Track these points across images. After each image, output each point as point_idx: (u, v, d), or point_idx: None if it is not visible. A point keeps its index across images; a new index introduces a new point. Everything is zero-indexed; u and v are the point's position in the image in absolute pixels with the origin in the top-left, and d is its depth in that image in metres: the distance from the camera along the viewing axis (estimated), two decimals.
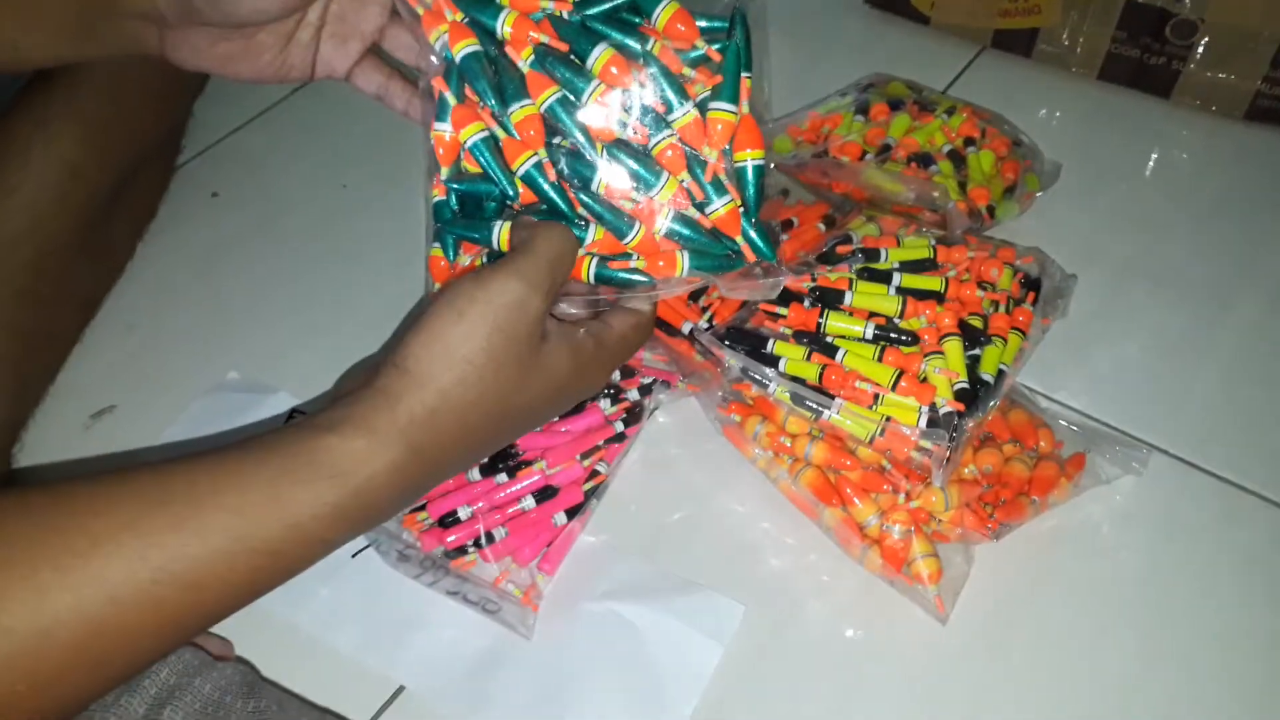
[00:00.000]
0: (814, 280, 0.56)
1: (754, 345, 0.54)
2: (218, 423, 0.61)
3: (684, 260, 0.47)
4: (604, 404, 0.58)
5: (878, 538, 0.53)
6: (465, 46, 0.45)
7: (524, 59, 0.45)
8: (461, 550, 0.53)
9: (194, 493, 0.35)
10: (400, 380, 0.39)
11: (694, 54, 0.45)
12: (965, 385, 0.51)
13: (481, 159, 0.46)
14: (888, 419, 0.51)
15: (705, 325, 0.59)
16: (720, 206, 0.45)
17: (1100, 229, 0.73)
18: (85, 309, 0.67)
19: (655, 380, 0.60)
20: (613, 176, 0.45)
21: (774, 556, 0.56)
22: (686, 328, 0.59)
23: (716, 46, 0.45)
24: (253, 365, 0.65)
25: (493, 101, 0.45)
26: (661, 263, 0.46)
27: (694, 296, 0.61)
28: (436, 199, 0.49)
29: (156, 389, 0.64)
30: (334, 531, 0.38)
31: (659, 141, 0.45)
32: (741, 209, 0.46)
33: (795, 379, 0.53)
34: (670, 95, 0.45)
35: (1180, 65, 0.79)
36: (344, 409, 0.39)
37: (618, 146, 0.45)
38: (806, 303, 0.55)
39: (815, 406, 0.52)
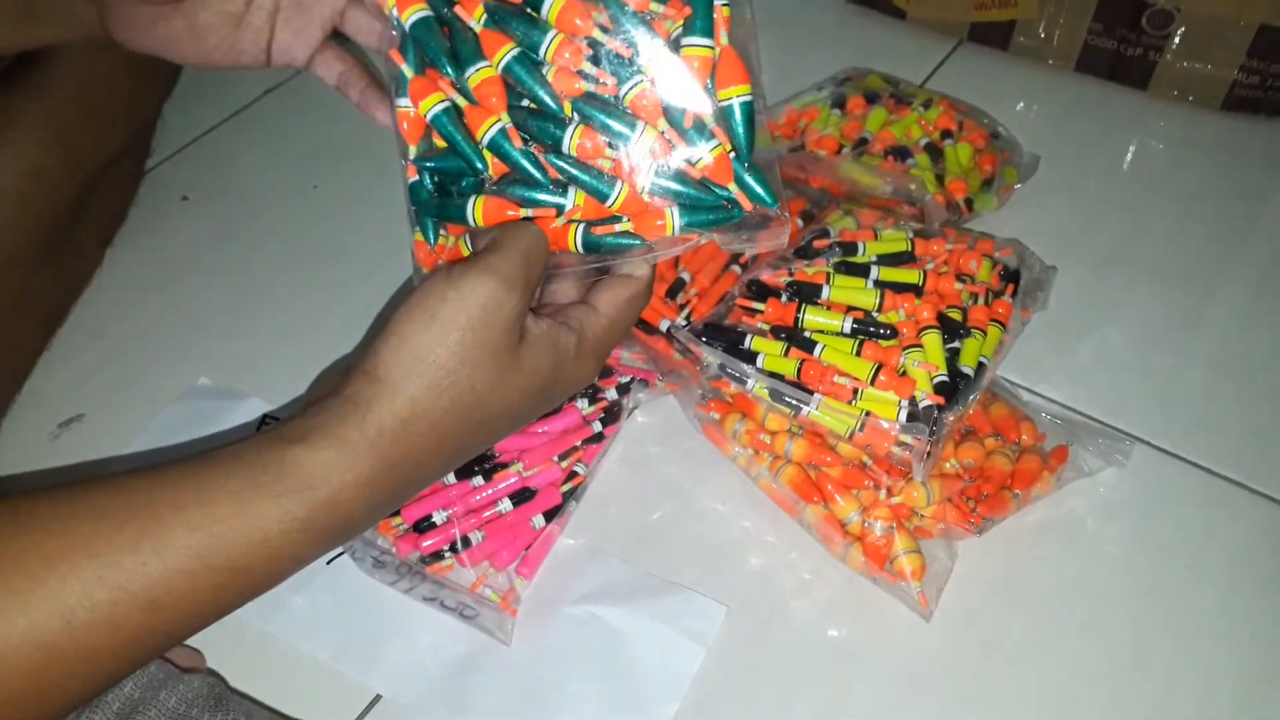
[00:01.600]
0: (791, 275, 0.55)
1: (732, 341, 0.53)
2: (189, 430, 0.60)
3: (674, 217, 0.42)
4: (581, 404, 0.57)
5: (859, 534, 0.52)
6: (415, 12, 0.42)
7: (476, 18, 0.41)
8: (438, 555, 0.52)
9: (154, 509, 0.34)
10: (370, 388, 0.37)
11: None
12: (945, 378, 0.51)
13: (444, 132, 0.43)
14: (867, 414, 0.50)
15: (683, 323, 0.58)
16: (707, 154, 0.41)
17: (1079, 221, 0.72)
18: (51, 316, 0.66)
19: (634, 379, 0.59)
20: (585, 134, 0.41)
21: (755, 555, 0.55)
22: (664, 325, 0.59)
23: None
24: (224, 371, 0.64)
25: (448, 68, 0.42)
26: (655, 222, 0.42)
27: (671, 294, 0.61)
28: (411, 181, 0.46)
29: (125, 397, 0.62)
30: (303, 546, 0.36)
31: (630, 89, 0.41)
32: (732, 153, 0.41)
33: (773, 375, 0.52)
34: (635, 36, 0.40)
35: (1157, 56, 0.79)
36: (313, 418, 0.37)
37: (585, 101, 0.41)
38: (784, 297, 0.55)
39: (794, 402, 0.51)
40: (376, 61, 0.49)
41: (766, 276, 0.55)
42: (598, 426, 0.57)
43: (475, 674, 0.50)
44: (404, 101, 0.44)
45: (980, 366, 0.53)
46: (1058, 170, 0.74)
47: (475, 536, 0.53)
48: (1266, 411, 0.61)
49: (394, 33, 0.44)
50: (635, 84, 0.41)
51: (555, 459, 0.55)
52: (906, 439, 0.49)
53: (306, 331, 0.66)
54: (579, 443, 0.56)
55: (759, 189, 0.42)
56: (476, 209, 0.43)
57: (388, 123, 0.48)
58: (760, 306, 0.54)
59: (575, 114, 0.41)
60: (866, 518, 0.52)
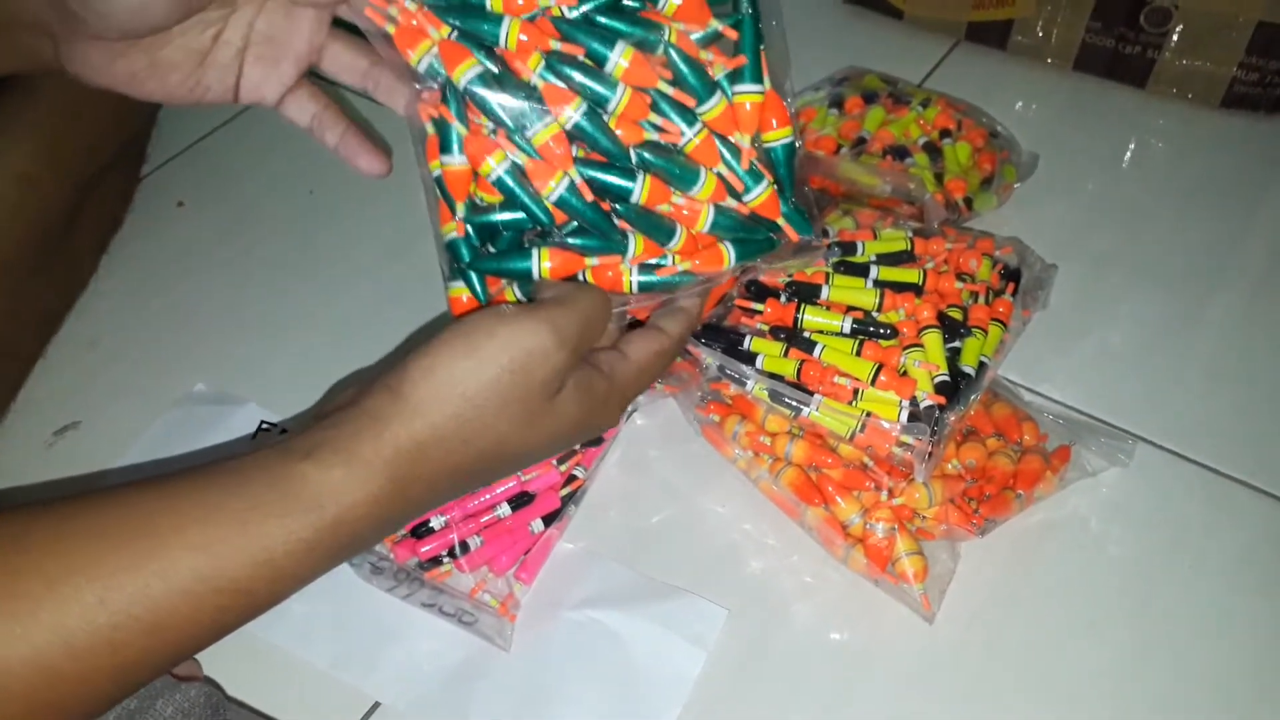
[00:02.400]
0: (790, 275, 0.55)
1: (731, 343, 0.53)
2: (186, 436, 0.60)
3: (729, 251, 0.45)
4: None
5: (861, 536, 0.52)
6: (468, 69, 0.40)
7: (535, 70, 0.41)
8: (436, 561, 0.52)
9: (156, 528, 0.33)
10: (391, 405, 0.37)
11: (704, 33, 0.42)
12: (946, 378, 0.50)
13: (507, 189, 0.42)
14: (868, 414, 0.50)
15: None
16: (759, 193, 0.44)
17: (1079, 219, 0.72)
18: (46, 324, 0.65)
19: None
20: (653, 184, 0.43)
21: (756, 558, 0.54)
22: None
23: (729, 21, 0.42)
24: (221, 377, 0.63)
25: (510, 125, 0.41)
26: (698, 260, 0.45)
27: None
28: (452, 238, 0.45)
29: (121, 404, 0.62)
30: (307, 567, 0.36)
31: (691, 138, 0.42)
32: (777, 189, 0.45)
33: (773, 376, 0.52)
34: (697, 85, 0.42)
35: (1155, 54, 0.79)
36: (324, 431, 0.36)
37: (649, 150, 0.42)
38: (783, 298, 0.54)
39: (794, 404, 0.51)
40: (352, 99, 0.49)
41: (765, 277, 0.55)
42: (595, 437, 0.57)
43: (474, 680, 0.50)
44: (450, 159, 0.43)
45: (981, 366, 0.52)
46: (1057, 169, 0.73)
47: (474, 541, 0.52)
48: (1269, 409, 0.60)
49: (423, 89, 0.42)
50: (698, 131, 0.43)
51: (554, 463, 0.55)
52: (908, 439, 0.49)
53: (302, 337, 0.66)
54: (578, 446, 0.56)
55: (800, 221, 0.46)
56: (542, 260, 0.43)
57: (370, 169, 0.48)
58: (759, 307, 0.54)
59: (641, 166, 0.43)
60: (868, 519, 0.51)
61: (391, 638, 0.52)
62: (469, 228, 0.44)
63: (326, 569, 0.37)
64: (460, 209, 0.44)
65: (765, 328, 0.53)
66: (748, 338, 0.53)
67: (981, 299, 0.55)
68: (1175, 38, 0.77)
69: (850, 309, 0.54)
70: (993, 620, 0.52)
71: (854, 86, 0.74)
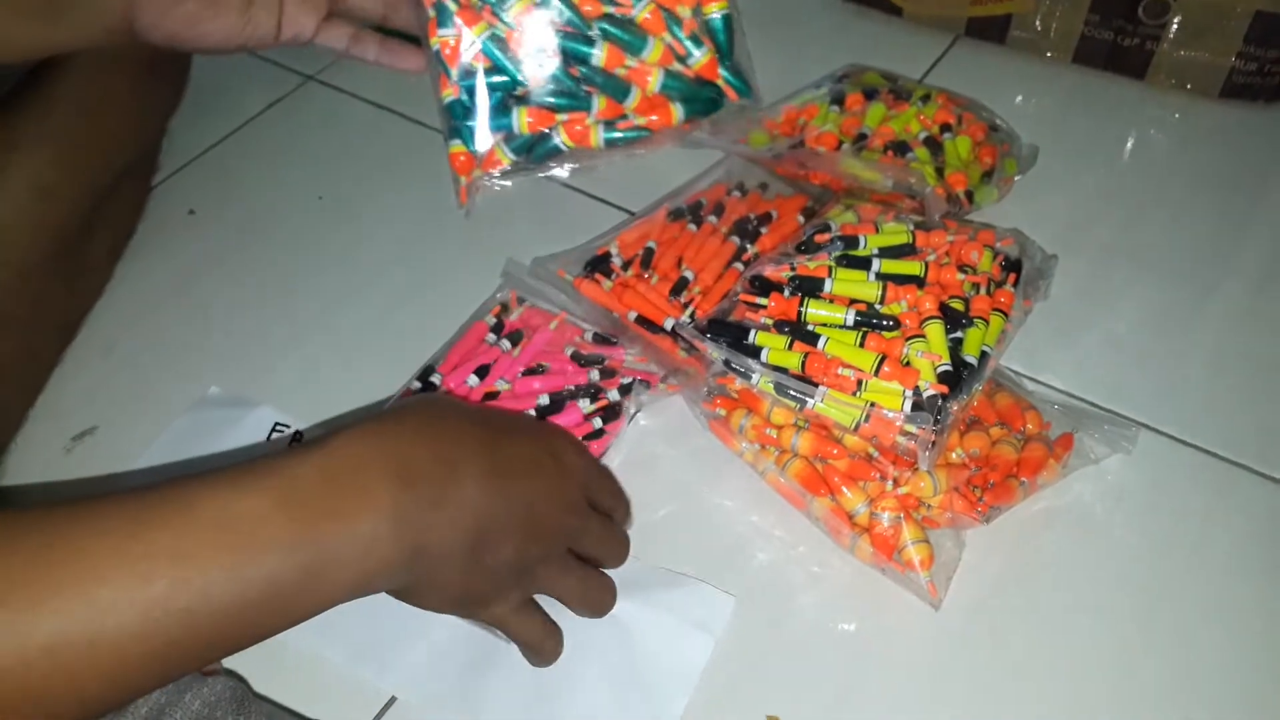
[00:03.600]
0: (793, 269, 0.56)
1: (736, 337, 0.54)
2: (200, 439, 0.61)
3: (678, 109, 0.57)
4: (582, 404, 0.58)
5: (867, 526, 0.53)
6: None
7: None
8: None
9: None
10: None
11: None
12: (948, 368, 0.51)
13: (490, 52, 0.54)
14: (872, 405, 0.50)
15: (687, 320, 0.59)
16: (700, 57, 0.56)
17: (1080, 211, 0.73)
18: (64, 331, 0.66)
19: (635, 380, 0.59)
20: (610, 49, 0.54)
21: (764, 550, 0.55)
22: (669, 324, 0.59)
23: None
24: (235, 381, 0.64)
25: (492, 2, 0.54)
26: (655, 116, 0.56)
27: (675, 292, 0.61)
28: (449, 99, 0.56)
29: (138, 409, 0.63)
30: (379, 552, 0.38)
31: (640, 10, 0.54)
32: (717, 55, 0.56)
33: (778, 369, 0.52)
34: None
35: (1154, 45, 0.79)
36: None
37: (606, 21, 0.54)
38: (786, 292, 0.55)
39: (799, 395, 0.51)
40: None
41: (769, 272, 0.56)
42: (598, 423, 0.57)
43: (487, 673, 0.51)
44: (445, 31, 0.54)
45: (983, 355, 0.53)
46: (1057, 161, 0.74)
47: None
48: (1270, 395, 0.61)
49: None
50: (646, 4, 0.55)
51: None
52: (912, 429, 0.50)
53: (314, 340, 0.67)
54: (580, 439, 0.56)
55: (738, 82, 0.57)
56: (521, 116, 0.55)
57: (414, 66, 0.56)
58: (763, 301, 0.55)
59: (600, 33, 0.54)
60: (874, 509, 0.52)
61: (405, 633, 0.52)
62: (463, 90, 0.55)
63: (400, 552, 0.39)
64: (454, 73, 0.55)
65: (770, 322, 0.54)
66: (752, 332, 0.54)
67: (983, 290, 0.56)
68: (1173, 29, 0.78)
69: (853, 302, 0.54)
70: (999, 606, 0.53)
71: (855, 83, 0.75)
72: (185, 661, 0.35)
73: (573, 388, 0.59)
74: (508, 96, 0.55)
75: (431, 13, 0.55)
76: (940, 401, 0.50)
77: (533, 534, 0.44)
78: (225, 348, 0.67)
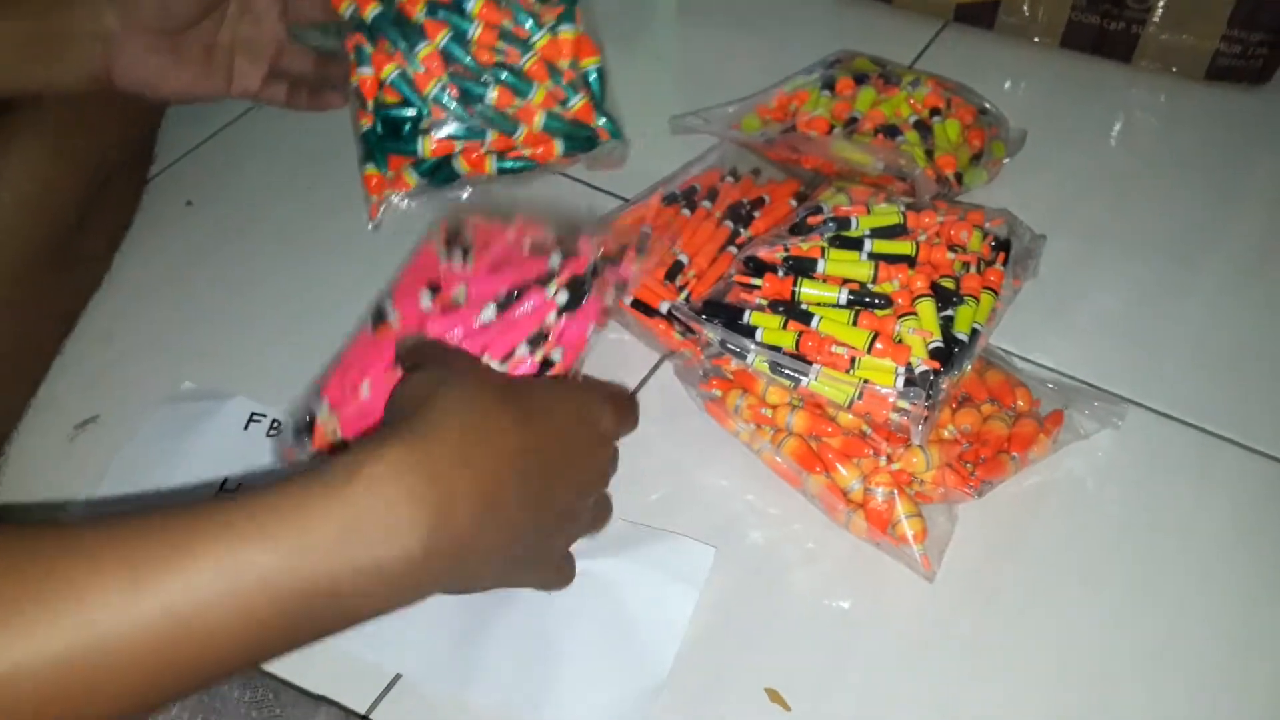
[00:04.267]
0: (787, 250, 0.56)
1: (731, 317, 0.54)
2: (176, 434, 0.61)
3: (559, 145, 0.67)
4: (549, 290, 0.52)
5: (861, 501, 0.53)
6: (373, 9, 0.64)
7: (419, 10, 0.64)
8: None
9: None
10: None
11: None
12: (940, 344, 0.52)
13: (400, 88, 0.64)
14: (865, 382, 0.51)
15: (684, 300, 0.60)
16: (576, 102, 0.66)
17: (1068, 192, 0.73)
18: (64, 321, 0.67)
19: (603, 260, 0.53)
20: (501, 91, 0.65)
21: (759, 528, 0.56)
22: (664, 306, 0.60)
23: None
24: (231, 371, 0.65)
25: (403, 45, 0.64)
26: (540, 149, 0.67)
27: (670, 276, 0.62)
28: (365, 128, 0.66)
29: (138, 397, 0.63)
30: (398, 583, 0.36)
31: (526, 60, 0.65)
32: (591, 101, 0.66)
33: (773, 348, 0.53)
34: (531, 25, 0.65)
35: (1140, 29, 0.80)
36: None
37: (499, 68, 0.64)
38: (780, 272, 0.56)
39: (793, 374, 0.52)
40: None
41: (763, 253, 0.57)
42: (563, 298, 0.51)
43: (480, 639, 0.51)
44: (364, 70, 0.65)
45: (974, 333, 0.54)
46: (1045, 144, 0.75)
47: None
48: (1255, 370, 0.62)
49: (346, 32, 0.65)
50: (531, 56, 0.65)
51: (524, 345, 0.50)
52: (904, 405, 0.51)
53: (309, 328, 0.67)
54: (550, 318, 0.51)
55: (611, 126, 0.67)
56: (426, 144, 0.65)
57: (336, 104, 0.69)
58: (757, 282, 0.55)
59: (493, 77, 0.64)
60: (868, 485, 0.53)
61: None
62: (377, 120, 0.65)
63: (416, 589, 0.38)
64: (369, 105, 0.65)
65: (764, 302, 0.55)
66: (747, 312, 0.54)
67: (973, 269, 0.57)
68: (1159, 13, 0.79)
69: (846, 281, 0.55)
70: (991, 578, 0.54)
71: (845, 69, 0.76)
72: (186, 692, 0.35)
73: (534, 277, 0.52)
74: (414, 128, 0.65)
75: (353, 56, 0.66)
76: (932, 377, 0.51)
77: (568, 522, 0.46)
78: (221, 337, 0.67)
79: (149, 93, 0.59)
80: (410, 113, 0.65)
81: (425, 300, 0.53)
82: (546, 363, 0.50)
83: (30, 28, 0.55)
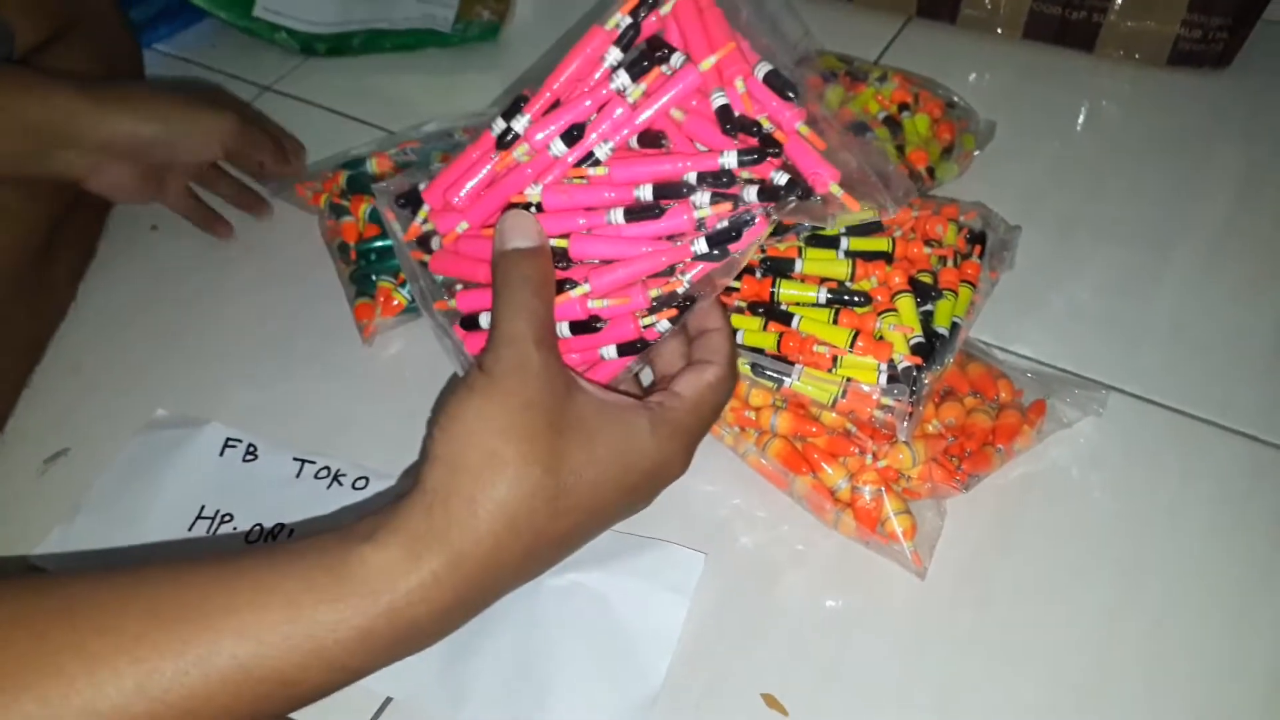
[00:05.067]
0: (764, 251, 0.56)
1: None
2: (153, 463, 0.60)
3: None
4: (698, 201, 0.42)
5: (849, 501, 0.53)
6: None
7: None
8: None
9: (206, 609, 0.33)
10: (433, 473, 0.36)
11: None
12: (921, 339, 0.52)
13: (378, 221, 0.67)
14: (848, 380, 0.51)
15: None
16: None
17: (1038, 182, 0.74)
18: (29, 352, 0.65)
19: (795, 179, 0.42)
20: None
21: (747, 532, 0.56)
22: None
23: None
24: (203, 397, 0.63)
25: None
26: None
27: None
28: (352, 269, 0.66)
29: (108, 428, 0.62)
30: (360, 658, 0.34)
31: None
32: None
33: (754, 350, 0.53)
34: None
35: (1101, 18, 0.81)
36: (385, 513, 0.36)
37: None
38: (758, 274, 0.55)
39: (776, 375, 0.52)
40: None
41: None
42: (702, 246, 0.42)
43: (469, 657, 0.51)
44: (346, 219, 0.68)
45: (954, 326, 0.54)
46: (1014, 135, 0.75)
47: None
48: (1231, 352, 0.62)
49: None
50: None
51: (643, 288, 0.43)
52: (888, 401, 0.50)
53: (280, 351, 0.66)
54: (691, 257, 0.42)
55: None
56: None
57: (223, 234, 0.74)
58: (735, 284, 0.55)
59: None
60: (855, 483, 0.53)
61: None
62: (360, 257, 0.66)
63: (385, 662, 0.35)
64: (353, 246, 0.67)
65: (743, 304, 0.55)
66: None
67: (950, 263, 0.57)
68: (1119, 1, 0.79)
69: (824, 280, 0.55)
70: (982, 572, 0.53)
71: (811, 67, 0.76)
72: None
73: (694, 176, 0.42)
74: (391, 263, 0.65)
75: (330, 213, 0.69)
76: (915, 372, 0.51)
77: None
78: (192, 365, 0.66)
79: (104, 197, 0.67)
80: (386, 244, 0.66)
81: (558, 147, 0.43)
82: (665, 299, 0.43)
83: (41, 129, 0.60)
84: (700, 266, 0.43)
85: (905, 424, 0.50)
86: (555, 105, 0.44)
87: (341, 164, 0.71)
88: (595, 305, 0.43)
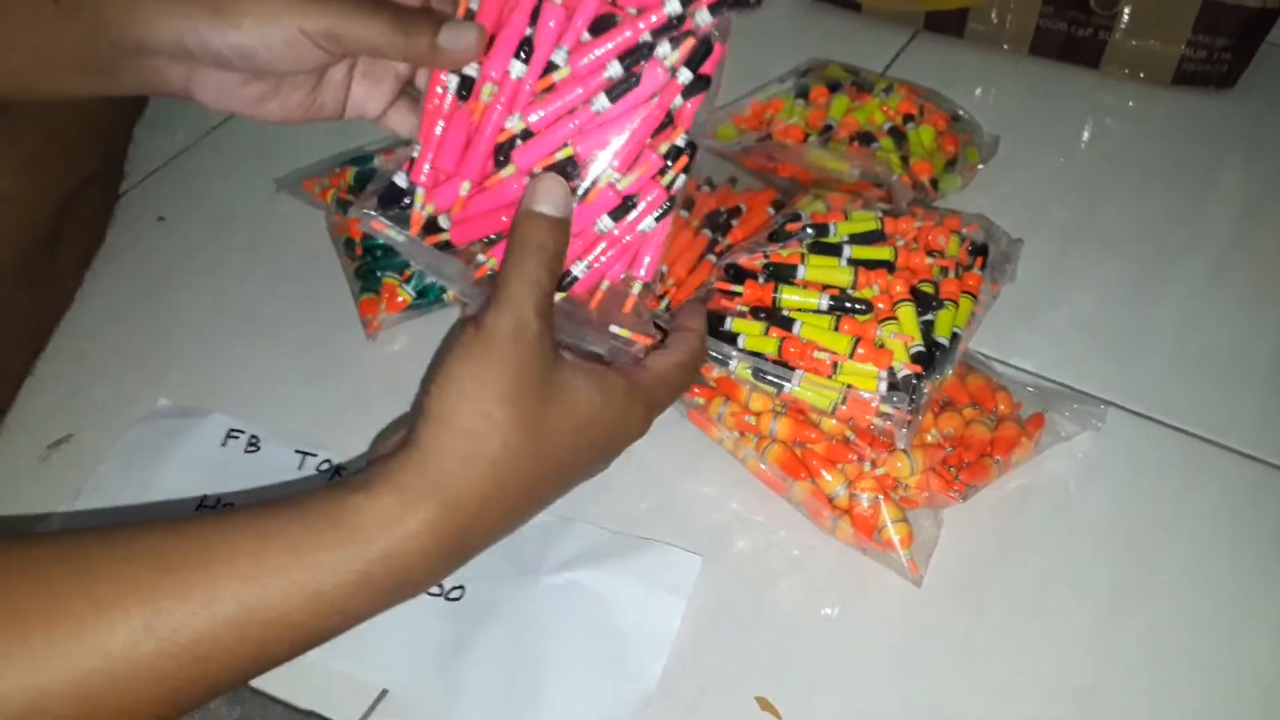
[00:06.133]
0: (767, 257, 0.56)
1: (712, 324, 0.54)
2: (154, 452, 0.60)
3: None
4: (662, 51, 0.44)
5: (847, 507, 0.53)
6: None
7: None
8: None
9: (208, 556, 0.34)
10: (426, 429, 0.37)
11: None
12: (921, 348, 0.52)
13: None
14: (848, 387, 0.51)
15: (664, 309, 0.60)
16: None
17: (1042, 197, 0.74)
18: (34, 340, 0.66)
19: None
20: None
21: (744, 536, 0.56)
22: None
23: None
24: (206, 387, 0.64)
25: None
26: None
27: None
28: (358, 264, 0.66)
29: (111, 415, 0.62)
30: (357, 601, 0.36)
31: None
32: None
33: (755, 354, 0.53)
34: None
35: (1107, 35, 0.81)
36: (377, 466, 0.37)
37: None
38: (761, 279, 0.56)
39: (776, 380, 0.52)
40: None
41: (743, 260, 0.57)
42: (686, 75, 0.44)
43: (465, 652, 0.51)
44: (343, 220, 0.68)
45: (954, 336, 0.54)
46: (1018, 149, 0.76)
47: (578, 268, 0.46)
48: (1230, 371, 0.63)
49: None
50: None
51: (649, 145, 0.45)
52: (887, 409, 0.51)
53: (283, 342, 0.67)
54: (675, 102, 0.44)
55: None
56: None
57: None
58: (738, 289, 0.55)
59: None
60: (853, 490, 0.53)
61: (383, 621, 0.51)
62: (366, 252, 0.66)
63: (380, 607, 0.37)
64: (358, 242, 0.67)
65: (745, 309, 0.55)
66: (728, 319, 0.54)
67: (951, 273, 0.57)
68: (1125, 19, 0.80)
69: (826, 287, 0.55)
70: (978, 581, 0.54)
71: (818, 77, 0.76)
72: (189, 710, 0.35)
73: (650, 34, 0.44)
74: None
75: (337, 209, 0.68)
76: (915, 381, 0.51)
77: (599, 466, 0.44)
78: (196, 354, 0.66)
79: (244, 115, 0.48)
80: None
81: (517, 68, 0.44)
82: (674, 152, 0.45)
83: (78, 32, 0.44)
84: (692, 104, 0.45)
85: (904, 432, 0.51)
86: (492, 40, 0.45)
87: (349, 160, 0.72)
88: (624, 185, 0.44)
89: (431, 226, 0.46)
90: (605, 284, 0.47)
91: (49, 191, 0.64)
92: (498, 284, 0.41)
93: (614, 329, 0.46)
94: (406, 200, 0.47)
